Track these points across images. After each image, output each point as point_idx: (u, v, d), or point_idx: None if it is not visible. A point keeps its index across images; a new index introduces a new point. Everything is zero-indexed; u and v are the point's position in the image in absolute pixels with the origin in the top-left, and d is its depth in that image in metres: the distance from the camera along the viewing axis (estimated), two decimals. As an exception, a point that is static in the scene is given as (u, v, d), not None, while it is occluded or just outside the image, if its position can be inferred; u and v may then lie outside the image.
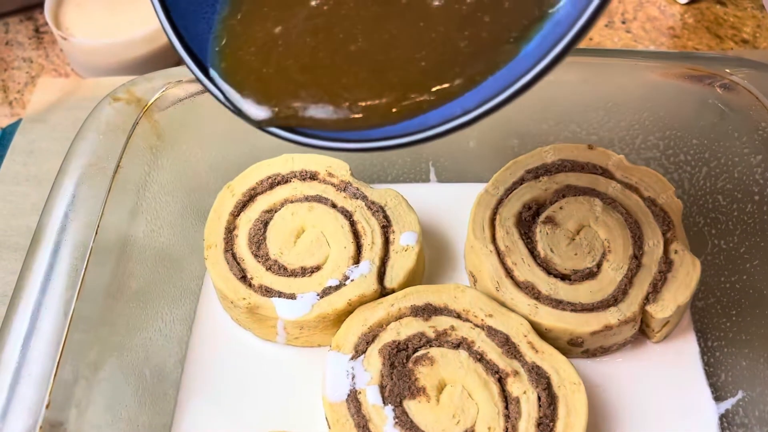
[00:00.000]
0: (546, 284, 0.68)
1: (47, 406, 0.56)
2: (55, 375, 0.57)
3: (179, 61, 1.04)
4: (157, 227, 0.72)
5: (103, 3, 1.03)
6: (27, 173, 0.92)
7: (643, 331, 0.69)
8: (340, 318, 0.69)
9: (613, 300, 0.67)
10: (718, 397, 0.66)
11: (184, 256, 0.77)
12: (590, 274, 0.68)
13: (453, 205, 0.79)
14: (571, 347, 0.68)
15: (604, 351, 0.69)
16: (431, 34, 0.44)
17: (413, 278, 0.72)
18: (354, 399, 0.63)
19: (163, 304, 0.73)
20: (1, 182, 0.91)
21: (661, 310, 0.66)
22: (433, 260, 0.78)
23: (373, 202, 0.75)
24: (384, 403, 0.63)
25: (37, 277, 0.62)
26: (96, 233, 0.64)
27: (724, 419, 0.65)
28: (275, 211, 0.75)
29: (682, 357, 0.69)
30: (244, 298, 0.70)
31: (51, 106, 0.99)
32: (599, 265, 0.69)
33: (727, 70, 0.69)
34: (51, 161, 0.91)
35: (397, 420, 0.62)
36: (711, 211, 0.71)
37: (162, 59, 1.01)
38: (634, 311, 0.66)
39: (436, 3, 0.45)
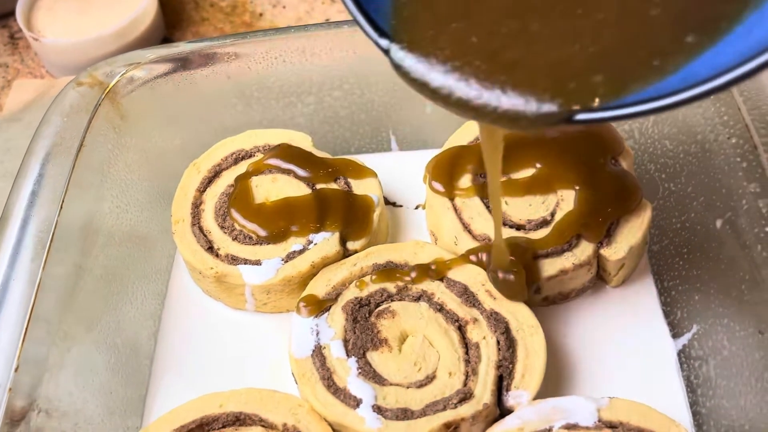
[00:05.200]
0: (502, 235, 0.69)
1: (16, 370, 0.58)
2: (23, 341, 0.59)
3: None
4: (123, 204, 0.75)
5: (72, 5, 1.06)
6: (4, 170, 0.94)
7: (601, 276, 0.71)
8: (305, 281, 0.71)
9: (568, 246, 0.68)
10: (675, 334, 0.68)
11: (153, 234, 0.79)
12: (544, 223, 0.70)
13: (415, 172, 0.80)
14: (531, 295, 0.70)
15: (563, 297, 0.71)
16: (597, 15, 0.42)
17: (376, 240, 0.74)
18: (319, 354, 0.65)
19: (134, 280, 0.74)
20: (-20, 179, 0.93)
21: (615, 252, 0.67)
22: (397, 226, 0.79)
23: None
24: (347, 355, 0.64)
25: (5, 251, 0.64)
26: (61, 208, 0.67)
27: (682, 354, 0.67)
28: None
29: (640, 299, 0.71)
30: (212, 268, 0.72)
31: (26, 105, 1.01)
32: (553, 214, 0.70)
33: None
34: (26, 157, 0.93)
35: (360, 370, 0.63)
36: (660, 156, 0.73)
37: (132, 55, 1.03)
38: (588, 255, 0.67)
39: None
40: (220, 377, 0.70)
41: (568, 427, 0.59)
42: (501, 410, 0.62)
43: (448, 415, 0.59)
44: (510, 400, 0.61)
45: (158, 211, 0.80)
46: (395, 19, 0.46)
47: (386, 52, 0.45)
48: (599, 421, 0.59)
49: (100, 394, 0.66)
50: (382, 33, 0.46)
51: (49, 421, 0.61)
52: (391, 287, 0.68)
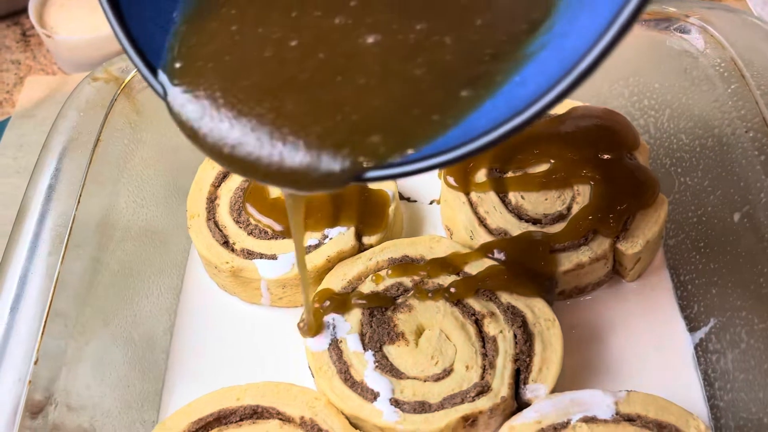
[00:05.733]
0: (518, 229, 0.69)
1: (35, 363, 0.58)
2: (42, 334, 0.60)
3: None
4: (139, 199, 0.75)
5: (85, 1, 1.06)
6: (17, 166, 0.95)
7: (617, 270, 0.71)
8: (321, 275, 0.71)
9: (584, 240, 0.68)
10: (692, 328, 0.68)
11: (169, 229, 0.79)
12: (561, 217, 0.70)
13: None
14: (549, 290, 0.70)
15: (579, 291, 0.71)
16: (365, 78, 0.42)
17: (391, 235, 0.74)
18: (335, 347, 0.65)
19: (150, 274, 0.75)
20: (-7, 176, 0.94)
21: (631, 246, 0.68)
22: (412, 221, 0.79)
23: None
24: (364, 349, 0.64)
25: (23, 245, 0.64)
26: (78, 202, 0.67)
27: (699, 348, 0.67)
28: (255, 179, 0.77)
29: (656, 294, 0.71)
30: (227, 262, 0.72)
31: (39, 102, 1.02)
32: (569, 208, 0.70)
33: (683, 13, 0.71)
34: (40, 153, 0.94)
35: (377, 364, 0.63)
36: (676, 150, 0.73)
37: (145, 52, 1.03)
38: (605, 249, 0.68)
39: (371, 40, 0.43)
40: (236, 371, 0.70)
41: (585, 420, 0.59)
42: (518, 403, 0.62)
43: (466, 408, 0.59)
44: (527, 393, 0.61)
45: (174, 206, 0.80)
46: (171, 67, 0.46)
47: (163, 97, 0.45)
48: (617, 414, 0.59)
49: (118, 387, 0.66)
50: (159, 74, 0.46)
51: (67, 414, 0.61)
52: (407, 281, 0.68)
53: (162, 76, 0.46)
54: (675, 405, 0.60)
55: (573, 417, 0.59)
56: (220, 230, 0.74)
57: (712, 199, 0.67)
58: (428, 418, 0.60)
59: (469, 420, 0.59)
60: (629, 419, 0.59)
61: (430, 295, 0.66)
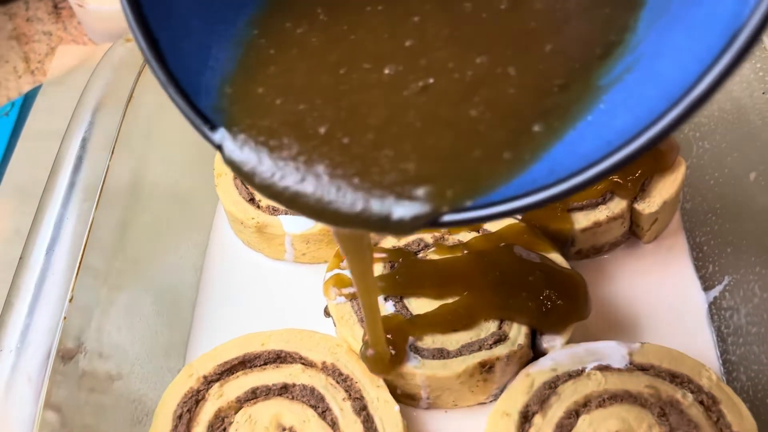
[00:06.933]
0: (537, 188, 0.71)
1: (70, 300, 0.61)
2: (76, 275, 0.62)
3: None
4: (168, 156, 0.77)
5: (116, -26, 1.08)
6: (49, 130, 0.97)
7: (634, 232, 0.72)
8: (344, 231, 0.73)
9: (602, 199, 0.70)
10: (707, 287, 0.69)
11: (196, 187, 0.81)
12: (579, 177, 0.71)
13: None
14: (566, 249, 0.71)
15: (596, 251, 0.72)
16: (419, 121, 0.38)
17: (412, 195, 0.76)
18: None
19: (177, 230, 0.77)
20: (26, 139, 0.97)
21: (648, 206, 0.69)
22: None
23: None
24: (386, 299, 0.66)
25: (59, 192, 0.66)
26: (111, 154, 0.69)
27: (713, 306, 0.68)
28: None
29: (672, 254, 0.72)
30: (253, 218, 0.74)
31: (70, 70, 1.04)
32: (588, 169, 0.72)
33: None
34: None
35: (398, 313, 0.65)
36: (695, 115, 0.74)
37: (173, 23, 1.06)
38: (622, 208, 0.69)
39: (419, 87, 0.39)
40: (260, 324, 0.71)
41: (600, 368, 0.60)
42: (535, 353, 0.64)
43: (483, 355, 0.61)
44: (544, 343, 0.63)
45: (201, 165, 0.82)
46: (224, 103, 0.41)
47: (219, 147, 0.40)
48: (631, 363, 0.61)
49: (145, 336, 0.68)
50: (210, 119, 0.40)
51: (97, 361, 0.63)
52: (427, 237, 0.70)
53: (219, 128, 0.40)
54: (688, 357, 0.61)
55: (588, 365, 0.61)
56: (246, 188, 0.76)
57: (729, 160, 0.68)
58: (446, 363, 0.61)
59: (486, 366, 0.61)
60: (642, 369, 0.61)
61: (450, 249, 0.68)
